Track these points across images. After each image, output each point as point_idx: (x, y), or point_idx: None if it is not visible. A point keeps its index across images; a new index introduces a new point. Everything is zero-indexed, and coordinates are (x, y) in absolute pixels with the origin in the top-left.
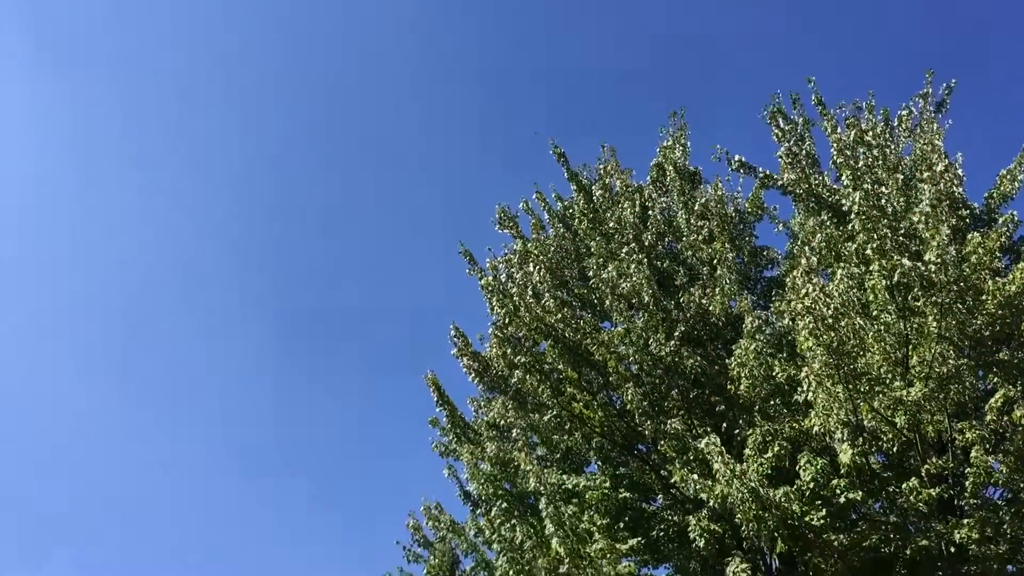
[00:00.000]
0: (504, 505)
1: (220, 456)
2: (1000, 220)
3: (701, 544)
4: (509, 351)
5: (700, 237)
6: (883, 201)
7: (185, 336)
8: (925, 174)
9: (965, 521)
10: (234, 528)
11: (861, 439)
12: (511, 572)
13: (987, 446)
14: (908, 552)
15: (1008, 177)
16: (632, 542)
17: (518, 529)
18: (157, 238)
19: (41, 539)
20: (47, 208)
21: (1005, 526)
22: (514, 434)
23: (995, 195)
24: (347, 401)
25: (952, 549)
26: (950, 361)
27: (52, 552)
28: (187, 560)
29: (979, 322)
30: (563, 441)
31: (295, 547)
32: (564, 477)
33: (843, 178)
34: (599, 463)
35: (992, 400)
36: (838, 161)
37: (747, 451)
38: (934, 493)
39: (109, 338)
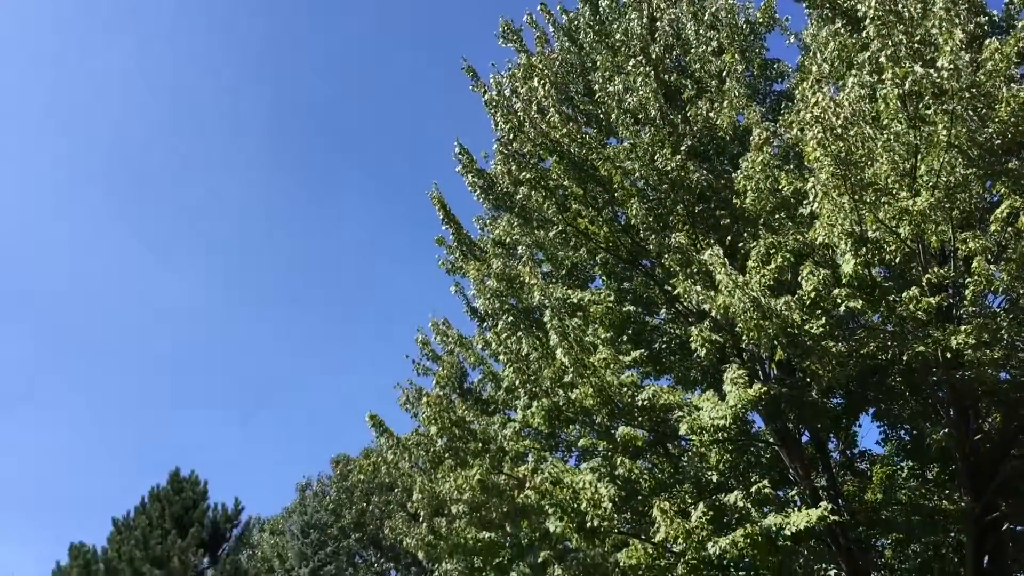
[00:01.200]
0: (510, 319)
1: (231, 285)
2: (1019, 26)
3: (702, 354)
4: (514, 167)
5: (709, 49)
6: (899, 6)
7: (183, 168)
8: None
9: (962, 328)
10: (248, 353)
11: (864, 250)
12: (517, 382)
13: (989, 256)
14: (904, 359)
15: None
16: (635, 354)
17: (524, 341)
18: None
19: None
20: None
21: (1002, 332)
22: (520, 251)
23: (1015, 1)
24: (353, 224)
25: (948, 355)
26: (958, 170)
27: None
28: (216, 380)
29: (990, 130)
30: (568, 257)
31: (310, 364)
32: (569, 292)
33: None
34: (604, 278)
35: (998, 211)
36: None
37: (750, 263)
38: (934, 302)
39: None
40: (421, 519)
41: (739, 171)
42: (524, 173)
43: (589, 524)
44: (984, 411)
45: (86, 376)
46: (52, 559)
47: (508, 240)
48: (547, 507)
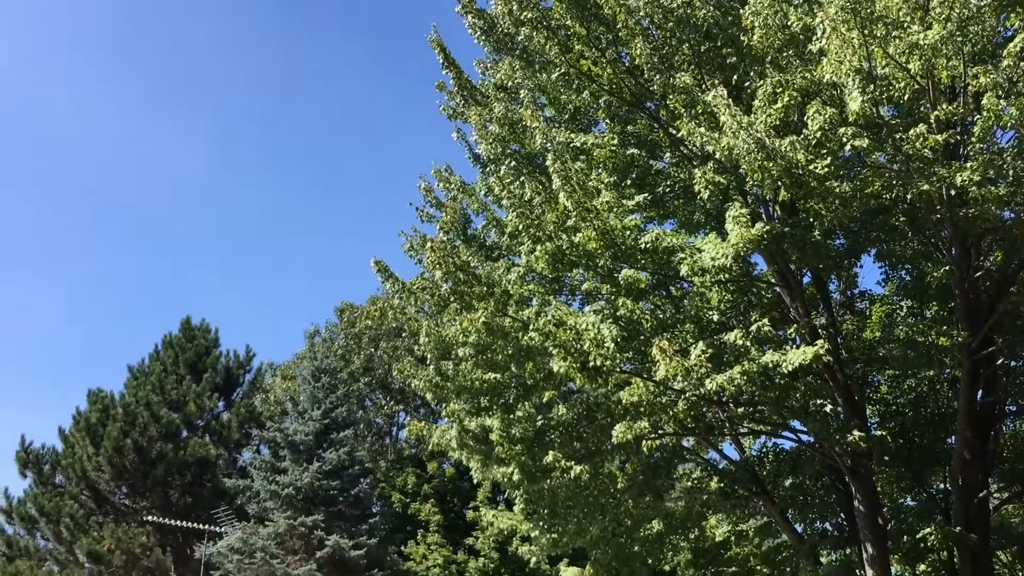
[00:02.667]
0: (513, 164)
1: (231, 139)
2: None
3: (705, 196)
4: (515, 7)
5: None
6: None
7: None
8: None
9: (968, 164)
10: (250, 206)
11: (872, 87)
12: (520, 227)
13: (1000, 92)
14: (908, 197)
15: None
16: (638, 198)
17: (527, 186)
18: None
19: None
20: None
21: (1007, 167)
22: (522, 95)
23: None
24: (352, 71)
25: (952, 192)
26: (972, 2)
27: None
28: (220, 234)
29: None
30: (571, 100)
31: (314, 216)
32: (572, 136)
33: None
34: (607, 122)
35: (1011, 45)
36: None
37: (756, 103)
38: (940, 139)
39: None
40: (428, 361)
41: (747, 7)
42: (525, 13)
43: (592, 364)
44: (986, 249)
45: (88, 236)
46: (71, 409)
47: (510, 84)
48: (551, 348)
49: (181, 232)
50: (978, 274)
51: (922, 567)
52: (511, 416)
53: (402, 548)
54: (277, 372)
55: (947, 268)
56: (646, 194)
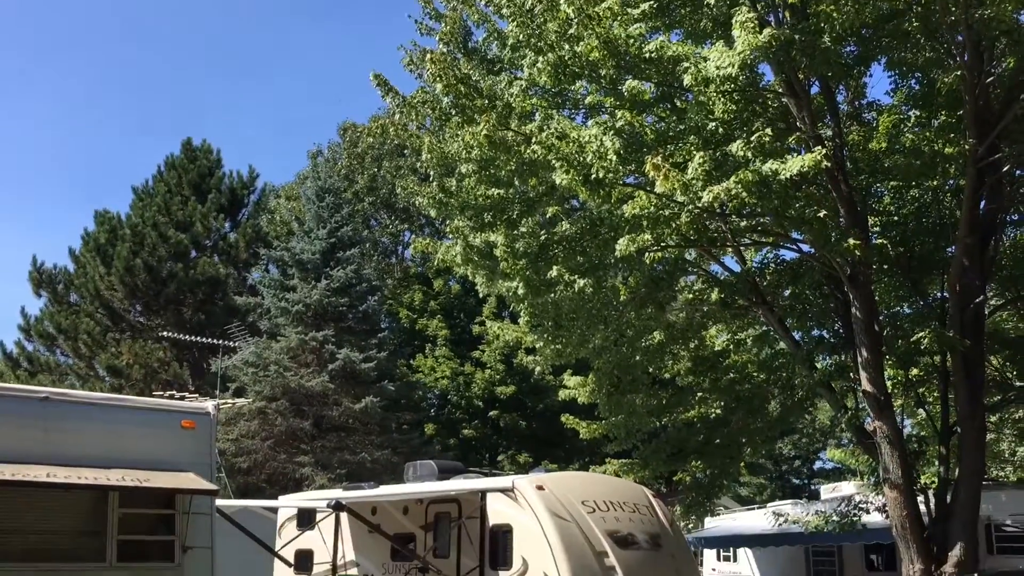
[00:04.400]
0: None
1: None
2: None
3: (712, 0)
4: None
5: None
6: None
7: None
8: None
9: None
10: (248, 20)
11: None
12: (522, 37)
13: None
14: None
15: None
16: (644, 6)
17: None
18: None
19: None
20: None
21: None
22: None
23: None
24: None
25: None
26: None
27: None
28: (219, 48)
29: None
30: None
31: (313, 31)
32: None
33: None
34: None
35: None
36: None
37: None
38: None
39: None
40: (431, 178)
41: None
42: None
43: (594, 176)
44: (999, 54)
45: (87, 54)
46: (79, 230)
47: None
48: (553, 162)
49: (180, 26)
50: (989, 79)
51: (914, 371)
52: (515, 231)
53: (411, 361)
54: (281, 193)
55: (958, 74)
56: (652, 1)
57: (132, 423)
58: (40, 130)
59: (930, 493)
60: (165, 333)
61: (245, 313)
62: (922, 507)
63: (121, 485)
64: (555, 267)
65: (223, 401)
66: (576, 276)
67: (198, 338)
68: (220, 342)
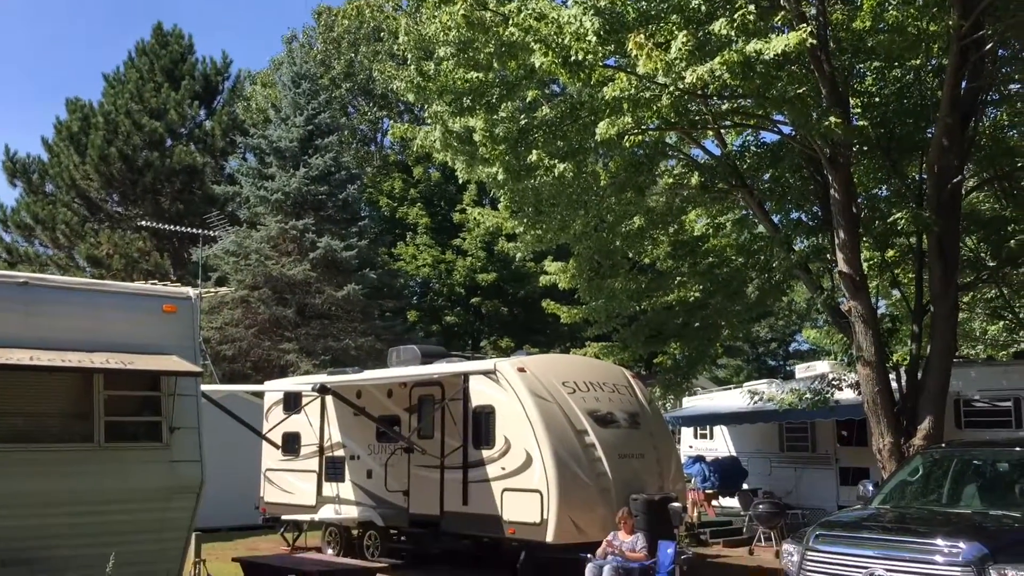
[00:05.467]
0: None
1: None
2: None
3: None
4: None
5: None
6: None
7: None
8: None
9: None
10: None
11: None
12: None
13: None
14: None
15: None
16: None
17: None
18: None
19: None
20: None
21: None
22: None
23: None
24: None
25: None
26: None
27: None
28: None
29: None
30: None
31: None
32: None
33: None
34: None
35: None
36: None
37: None
38: None
39: None
40: (409, 62)
41: None
42: None
43: (573, 58)
44: None
45: None
46: (51, 119)
47: None
48: (532, 44)
49: None
50: None
51: (890, 253)
52: (494, 116)
53: (392, 250)
54: (256, 80)
55: None
56: None
57: (114, 308)
58: (5, 17)
59: (902, 370)
60: (144, 223)
61: (224, 202)
62: (893, 384)
63: (106, 367)
64: (535, 152)
65: (206, 290)
66: (556, 161)
67: (177, 227)
68: (200, 231)
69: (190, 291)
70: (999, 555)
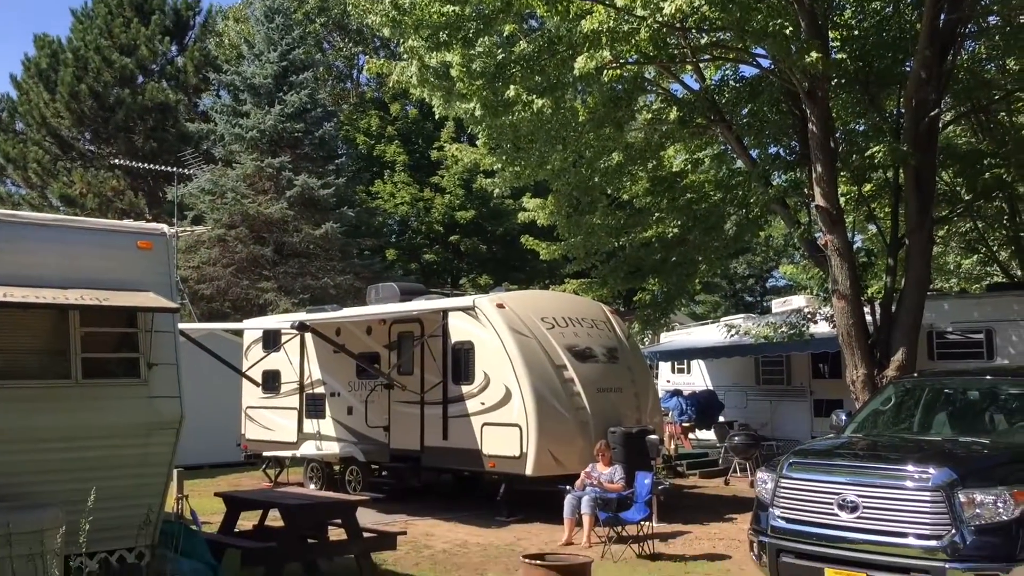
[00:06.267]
0: None
1: None
2: None
3: None
4: None
5: None
6: None
7: None
8: None
9: None
10: None
11: None
12: None
13: None
14: None
15: None
16: None
17: None
18: None
19: None
20: None
21: None
22: None
23: None
24: None
25: None
26: None
27: None
28: None
29: None
30: None
31: None
32: None
33: None
34: None
35: None
36: None
37: None
38: None
39: None
40: None
41: None
42: None
43: None
44: None
45: None
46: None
47: None
48: None
49: None
50: None
51: (867, 187)
52: (471, 51)
53: (369, 188)
54: (228, 15)
55: None
56: None
57: (88, 244)
58: None
59: (876, 304)
60: (117, 161)
61: (198, 140)
62: (868, 317)
63: (81, 304)
64: (513, 87)
65: (182, 229)
66: (534, 96)
67: (151, 166)
68: (174, 170)
69: (165, 227)
70: (968, 480)
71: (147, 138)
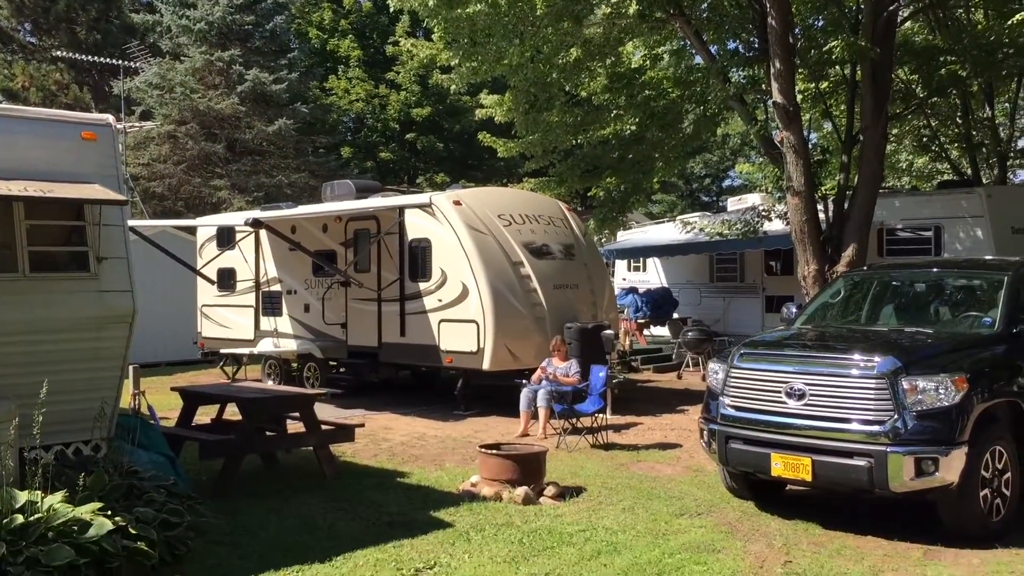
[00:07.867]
0: None
1: None
2: None
3: None
4: None
5: None
6: None
7: None
8: None
9: None
10: None
11: None
12: None
13: None
14: None
15: None
16: None
17: None
18: None
19: None
20: None
21: None
22: None
23: None
24: None
25: None
26: None
27: None
28: None
29: None
30: None
31: None
32: None
33: None
34: None
35: None
36: None
37: None
38: None
39: None
40: None
41: None
42: None
43: None
44: None
45: None
46: None
47: None
48: None
49: None
50: None
51: (824, 84)
52: None
53: (323, 84)
54: None
55: None
56: None
57: (30, 134)
58: None
59: (830, 201)
60: (59, 53)
61: (144, 32)
62: (821, 215)
63: (24, 195)
64: None
65: (130, 124)
66: None
67: (96, 59)
68: (120, 63)
69: (110, 117)
70: (911, 368)
71: (90, 29)
